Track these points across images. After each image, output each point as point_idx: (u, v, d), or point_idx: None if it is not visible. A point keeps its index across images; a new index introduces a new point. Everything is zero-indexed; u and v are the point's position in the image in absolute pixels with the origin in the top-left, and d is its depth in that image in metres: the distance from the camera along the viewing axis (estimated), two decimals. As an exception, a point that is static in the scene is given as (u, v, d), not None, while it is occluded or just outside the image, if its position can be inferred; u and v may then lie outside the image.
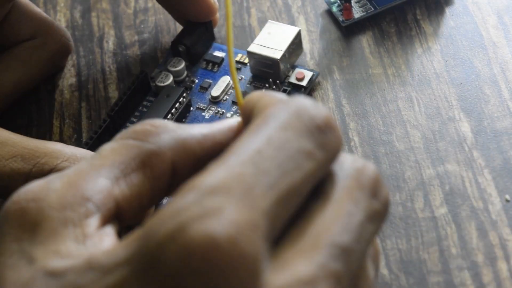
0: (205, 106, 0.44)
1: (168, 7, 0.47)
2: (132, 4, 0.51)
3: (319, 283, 0.23)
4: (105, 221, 0.26)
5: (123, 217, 0.27)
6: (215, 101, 0.44)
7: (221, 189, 0.23)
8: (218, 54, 0.47)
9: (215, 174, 0.23)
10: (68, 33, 0.47)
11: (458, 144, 0.41)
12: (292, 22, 0.48)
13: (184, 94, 0.44)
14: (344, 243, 0.24)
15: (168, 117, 0.43)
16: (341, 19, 0.47)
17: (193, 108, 0.44)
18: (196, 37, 0.46)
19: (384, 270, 0.37)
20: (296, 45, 0.44)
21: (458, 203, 0.39)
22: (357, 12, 0.47)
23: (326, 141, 0.25)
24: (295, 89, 0.44)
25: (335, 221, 0.25)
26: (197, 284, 0.22)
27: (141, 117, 0.44)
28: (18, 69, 0.45)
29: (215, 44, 0.47)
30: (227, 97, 0.45)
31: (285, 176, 0.24)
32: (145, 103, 0.45)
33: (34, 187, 0.26)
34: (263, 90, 0.26)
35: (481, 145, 0.41)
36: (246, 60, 0.46)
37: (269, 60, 0.43)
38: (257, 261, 0.22)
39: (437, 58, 0.45)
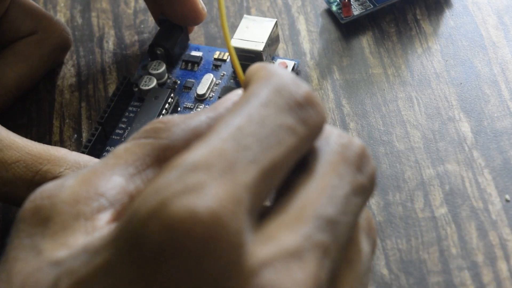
0: (192, 104, 0.45)
1: (152, 5, 0.47)
2: (132, 4, 0.51)
3: (305, 253, 0.23)
4: (118, 216, 0.26)
5: None
6: (201, 99, 0.45)
7: (202, 165, 0.23)
8: (196, 53, 0.47)
9: (196, 152, 0.24)
10: (67, 28, 0.48)
11: (458, 144, 0.41)
12: (292, 22, 0.48)
13: (172, 95, 0.44)
14: (329, 214, 0.24)
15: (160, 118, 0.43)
16: (341, 17, 0.47)
17: (180, 108, 0.45)
18: (173, 40, 0.46)
19: (384, 270, 0.37)
20: (274, 37, 0.45)
21: (458, 203, 0.39)
22: (356, 10, 0.47)
23: (307, 116, 0.25)
24: None
25: (320, 194, 0.25)
26: (180, 259, 0.22)
27: (132, 121, 0.44)
28: (21, 65, 0.45)
29: (190, 45, 0.48)
30: (213, 94, 0.45)
31: (267, 151, 0.24)
32: (130, 108, 0.45)
33: (49, 186, 0.27)
34: (264, 63, 0.26)
35: (481, 145, 0.41)
36: (225, 57, 0.47)
37: (252, 52, 0.44)
38: (240, 233, 0.22)
39: (437, 58, 0.45)
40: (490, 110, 0.42)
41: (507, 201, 0.39)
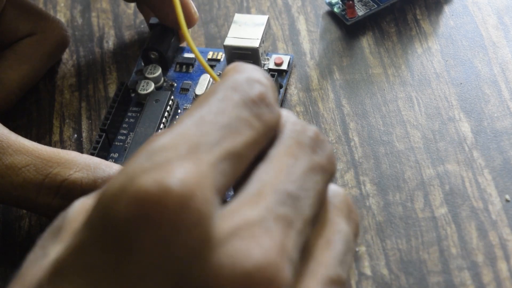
0: (191, 105, 0.45)
1: (144, 9, 0.47)
2: (132, 4, 0.51)
3: (269, 224, 0.24)
4: None
5: None
6: None
7: (168, 146, 0.24)
8: (189, 55, 0.48)
9: (161, 137, 0.25)
10: (65, 24, 0.48)
11: (458, 144, 0.41)
12: (292, 22, 0.48)
13: (172, 97, 0.44)
14: (288, 189, 0.25)
15: (163, 120, 0.43)
16: (345, 19, 0.47)
17: (180, 110, 0.45)
18: (167, 43, 0.46)
19: (384, 270, 0.37)
20: (267, 33, 0.45)
21: (458, 203, 0.39)
22: (360, 10, 0.47)
23: (261, 113, 0.27)
24: (277, 74, 0.45)
25: (277, 172, 0.26)
26: (151, 231, 0.22)
27: (135, 125, 0.43)
28: (23, 66, 0.45)
29: (183, 47, 0.48)
30: None
31: (227, 137, 0.25)
32: (130, 113, 0.45)
33: (66, 209, 0.28)
34: (237, 62, 0.28)
35: (481, 145, 0.41)
36: (219, 56, 0.47)
37: (248, 50, 0.44)
38: (209, 204, 0.23)
39: (437, 58, 0.45)
40: (490, 110, 0.42)
41: (507, 201, 0.39)
